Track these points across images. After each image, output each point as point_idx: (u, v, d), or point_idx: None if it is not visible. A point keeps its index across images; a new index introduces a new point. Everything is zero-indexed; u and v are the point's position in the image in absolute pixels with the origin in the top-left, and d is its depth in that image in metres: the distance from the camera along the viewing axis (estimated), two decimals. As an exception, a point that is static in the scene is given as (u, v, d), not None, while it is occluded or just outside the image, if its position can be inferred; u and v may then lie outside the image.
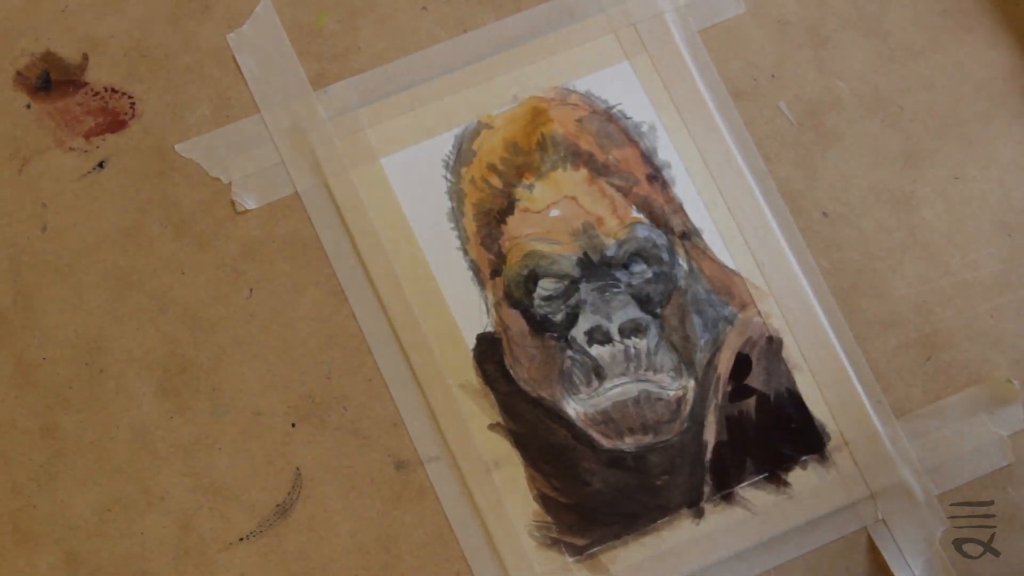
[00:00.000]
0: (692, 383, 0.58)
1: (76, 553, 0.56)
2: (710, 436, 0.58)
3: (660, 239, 0.59)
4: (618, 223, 0.59)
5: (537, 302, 0.59)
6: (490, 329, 0.58)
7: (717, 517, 0.57)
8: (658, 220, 0.60)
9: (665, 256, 0.59)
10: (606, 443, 0.57)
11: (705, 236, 0.60)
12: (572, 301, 0.58)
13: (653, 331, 0.58)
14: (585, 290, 0.59)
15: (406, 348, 0.58)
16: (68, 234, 0.59)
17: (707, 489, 0.57)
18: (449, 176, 0.60)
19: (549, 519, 0.57)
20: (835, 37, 0.62)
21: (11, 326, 0.58)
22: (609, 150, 0.60)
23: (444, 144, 0.60)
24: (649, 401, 0.58)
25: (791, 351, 0.59)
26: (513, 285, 0.59)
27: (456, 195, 0.60)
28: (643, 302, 0.59)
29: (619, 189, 0.60)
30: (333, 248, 0.59)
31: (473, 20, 0.62)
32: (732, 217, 0.60)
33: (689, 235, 0.60)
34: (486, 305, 0.59)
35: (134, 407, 0.58)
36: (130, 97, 0.61)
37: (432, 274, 0.59)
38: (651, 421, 0.58)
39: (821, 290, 0.59)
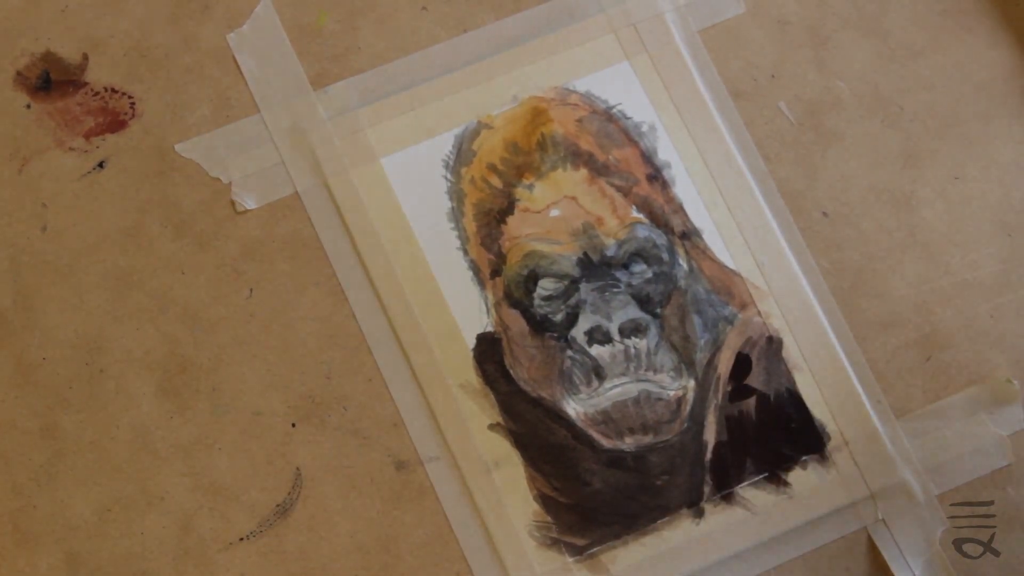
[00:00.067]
0: (692, 383, 0.58)
1: (76, 553, 0.56)
2: (710, 436, 0.58)
3: (660, 239, 0.59)
4: (618, 223, 0.59)
5: (537, 302, 0.59)
6: (490, 329, 0.58)
7: (717, 517, 0.57)
8: (658, 220, 0.60)
9: (665, 256, 0.59)
10: (606, 443, 0.57)
11: (705, 236, 0.60)
12: (572, 301, 0.58)
13: (653, 331, 0.58)
14: (585, 290, 0.59)
15: (406, 348, 0.58)
16: (68, 234, 0.59)
17: (707, 489, 0.57)
18: (449, 176, 0.60)
19: (549, 519, 0.57)
20: (835, 37, 0.62)
21: (11, 326, 0.58)
22: (609, 150, 0.60)
23: (444, 144, 0.60)
24: (649, 401, 0.58)
25: (791, 351, 0.59)
26: (513, 285, 0.59)
27: (456, 195, 0.60)
28: (643, 302, 0.59)
29: (619, 189, 0.60)
30: (333, 248, 0.59)
31: (473, 20, 0.62)
32: (732, 217, 0.60)
33: (689, 235, 0.60)
34: (486, 305, 0.59)
35: (134, 407, 0.58)
36: (130, 97, 0.61)
37: (432, 274, 0.59)
38: (651, 421, 0.58)
39: (821, 290, 0.59)
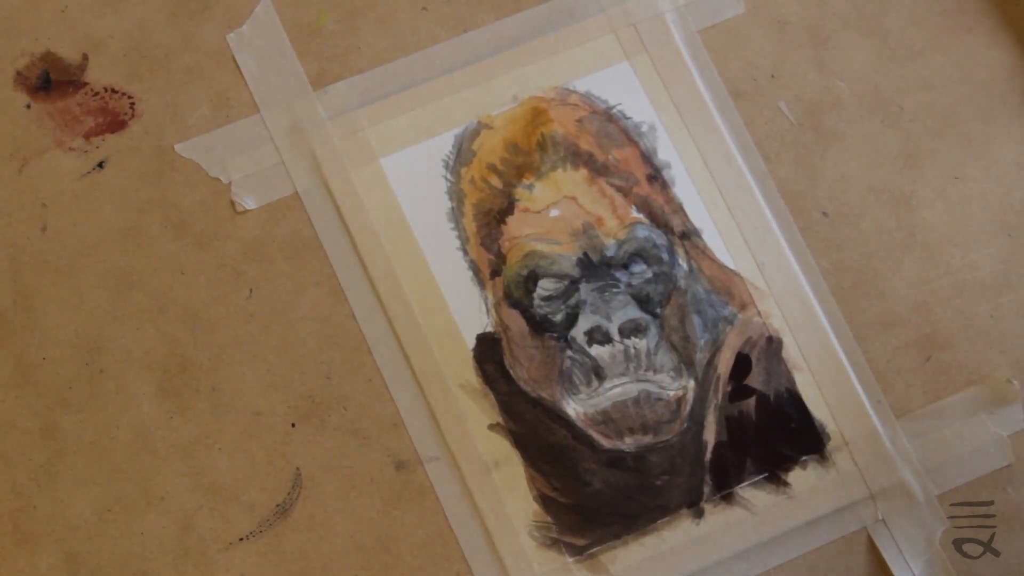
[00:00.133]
0: (692, 383, 0.58)
1: (76, 553, 0.56)
2: (710, 436, 0.58)
3: (660, 239, 0.59)
4: (618, 223, 0.59)
5: (537, 302, 0.59)
6: (490, 329, 0.58)
7: (717, 517, 0.57)
8: (658, 220, 0.60)
9: (665, 256, 0.59)
10: (606, 443, 0.57)
11: (705, 236, 0.60)
12: (572, 301, 0.58)
13: (653, 331, 0.58)
14: (585, 290, 0.59)
15: (406, 348, 0.58)
16: (68, 234, 0.59)
17: (707, 489, 0.57)
18: (449, 176, 0.60)
19: (549, 519, 0.57)
20: (835, 37, 0.62)
21: (11, 326, 0.58)
22: (609, 150, 0.60)
23: (444, 144, 0.60)
24: (649, 401, 0.58)
25: (791, 351, 0.59)
26: (513, 285, 0.59)
27: (456, 195, 0.60)
28: (643, 302, 0.59)
29: (619, 189, 0.60)
30: (333, 248, 0.59)
31: (473, 20, 0.62)
32: (732, 217, 0.60)
33: (689, 235, 0.60)
34: (486, 305, 0.59)
35: (134, 407, 0.58)
36: (130, 97, 0.61)
37: (432, 274, 0.59)
38: (651, 421, 0.58)
39: (821, 290, 0.59)
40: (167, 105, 0.60)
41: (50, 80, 0.61)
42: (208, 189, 0.60)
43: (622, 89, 0.61)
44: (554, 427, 0.58)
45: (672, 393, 0.58)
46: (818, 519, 0.57)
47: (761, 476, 0.58)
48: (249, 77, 0.61)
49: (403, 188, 0.60)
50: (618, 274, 0.59)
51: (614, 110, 0.61)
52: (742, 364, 0.59)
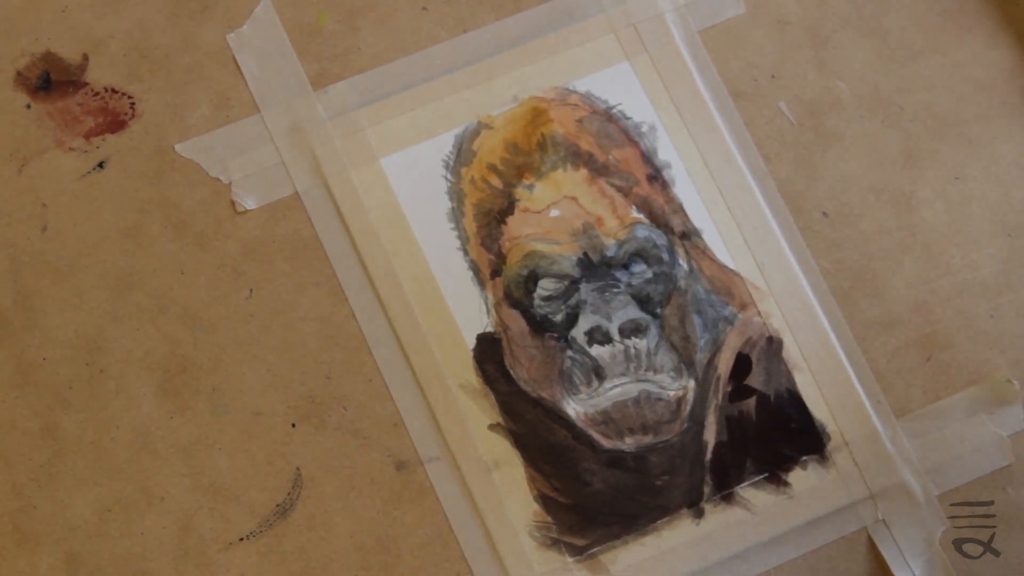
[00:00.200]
0: (692, 383, 0.58)
1: (76, 553, 0.56)
2: (710, 436, 0.58)
3: (660, 239, 0.59)
4: (618, 223, 0.59)
5: (537, 302, 0.59)
6: (490, 329, 0.58)
7: (717, 517, 0.57)
8: (658, 220, 0.60)
9: (665, 256, 0.59)
10: (606, 443, 0.57)
11: (705, 236, 0.60)
12: (572, 301, 0.58)
13: (653, 331, 0.58)
14: (585, 290, 0.59)
15: (406, 348, 0.58)
16: (68, 234, 0.59)
17: (707, 489, 0.57)
18: (449, 176, 0.60)
19: (549, 519, 0.57)
20: (835, 37, 0.62)
21: (11, 326, 0.58)
22: (609, 150, 0.60)
23: (444, 144, 0.60)
24: (649, 401, 0.58)
25: (791, 351, 0.59)
26: (513, 285, 0.59)
27: (456, 195, 0.60)
28: (643, 302, 0.59)
29: (619, 189, 0.60)
30: (333, 248, 0.59)
31: (473, 20, 0.62)
32: (732, 217, 0.60)
33: (689, 235, 0.60)
34: (486, 305, 0.59)
35: (134, 407, 0.58)
36: (130, 97, 0.61)
37: (432, 274, 0.59)
38: (651, 421, 0.58)
39: (821, 290, 0.59)
40: (167, 105, 0.60)
41: (50, 80, 0.61)
42: (208, 189, 0.60)
43: (622, 89, 0.61)
44: (554, 427, 0.58)
45: (672, 393, 0.58)
46: (818, 519, 0.57)
47: (761, 476, 0.58)
48: (249, 77, 0.61)
49: (403, 188, 0.60)
50: (618, 274, 0.59)
51: (614, 110, 0.61)
52: (742, 364, 0.59)
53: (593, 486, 0.57)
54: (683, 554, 0.57)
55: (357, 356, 0.58)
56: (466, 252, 0.59)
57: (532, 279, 0.59)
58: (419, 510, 0.57)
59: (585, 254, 0.59)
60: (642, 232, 0.59)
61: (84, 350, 0.58)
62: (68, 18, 0.61)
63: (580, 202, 0.59)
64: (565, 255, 0.59)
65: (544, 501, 0.57)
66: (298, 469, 0.57)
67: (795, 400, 0.58)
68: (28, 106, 0.60)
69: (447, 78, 0.61)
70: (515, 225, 0.59)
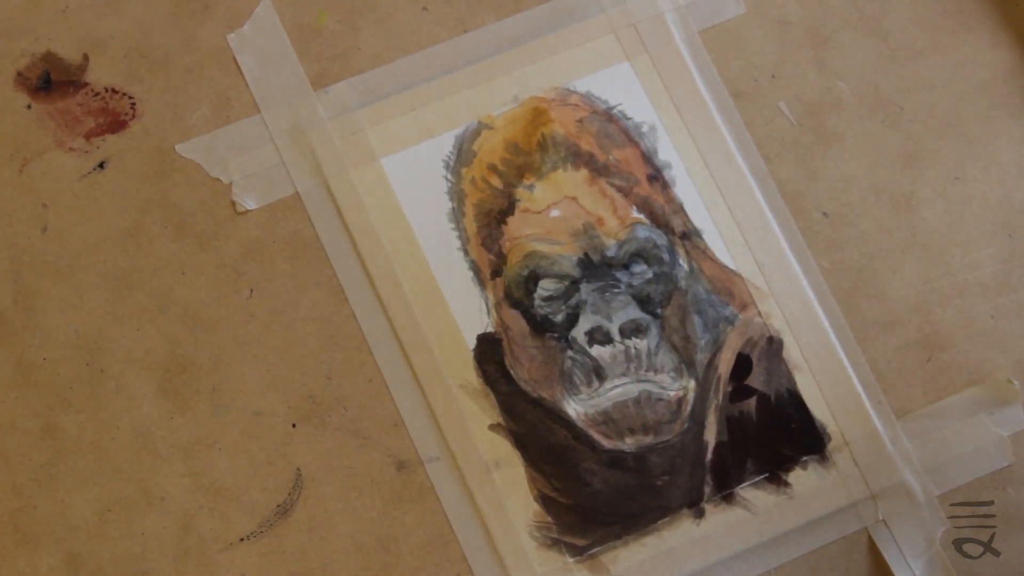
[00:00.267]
0: (693, 383, 0.58)
1: (76, 553, 0.56)
2: (711, 436, 0.58)
3: (660, 239, 0.59)
4: (618, 223, 0.59)
5: (537, 302, 0.59)
6: (490, 329, 0.58)
7: (717, 517, 0.57)
8: (658, 220, 0.60)
9: (665, 256, 0.59)
10: (607, 443, 0.57)
11: (705, 236, 0.60)
12: (572, 301, 0.58)
13: (653, 331, 0.58)
14: (585, 290, 0.59)
15: (406, 348, 0.58)
16: (68, 234, 0.59)
17: (707, 489, 0.57)
18: (449, 176, 0.60)
19: (549, 519, 0.57)
20: (835, 37, 0.62)
21: (11, 326, 0.58)
22: (609, 150, 0.60)
23: (444, 144, 0.60)
24: (650, 401, 0.58)
25: (791, 351, 0.59)
26: (513, 285, 0.59)
27: (456, 195, 0.60)
28: (643, 302, 0.59)
29: (619, 189, 0.60)
30: (333, 248, 0.59)
31: (473, 20, 0.62)
32: (732, 217, 0.60)
33: (689, 235, 0.60)
34: (486, 305, 0.59)
35: (134, 407, 0.58)
36: (130, 97, 0.61)
37: (432, 274, 0.59)
38: (651, 421, 0.58)
39: (821, 290, 0.60)
40: (168, 105, 0.60)
41: (51, 80, 0.61)
42: (209, 189, 0.60)
43: (622, 89, 0.61)
44: (555, 427, 0.58)
45: (673, 393, 0.58)
46: (819, 519, 0.57)
47: (762, 476, 0.58)
48: (249, 77, 0.61)
49: (403, 188, 0.60)
50: (619, 274, 0.59)
51: (614, 110, 0.61)
52: (743, 364, 0.59)
53: (593, 486, 0.57)
54: (683, 554, 0.57)
55: (357, 356, 0.58)
56: (466, 252, 0.59)
57: (532, 279, 0.59)
58: (419, 510, 0.57)
59: (585, 254, 0.59)
60: (642, 232, 0.59)
61: (84, 350, 0.58)
62: (68, 18, 0.61)
63: (580, 202, 0.59)
64: (565, 255, 0.59)
65: (544, 501, 0.57)
66: (298, 469, 0.57)
67: (795, 400, 0.58)
68: (28, 106, 0.60)
69: (447, 78, 0.61)
70: (515, 225, 0.59)
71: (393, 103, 0.60)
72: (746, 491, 0.58)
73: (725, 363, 0.59)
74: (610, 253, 0.59)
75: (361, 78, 0.61)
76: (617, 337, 0.58)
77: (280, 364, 0.58)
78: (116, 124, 0.60)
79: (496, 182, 0.60)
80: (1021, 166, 0.61)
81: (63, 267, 0.59)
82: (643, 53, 0.61)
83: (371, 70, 0.61)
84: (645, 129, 0.61)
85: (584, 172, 0.60)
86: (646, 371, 0.58)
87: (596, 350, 0.58)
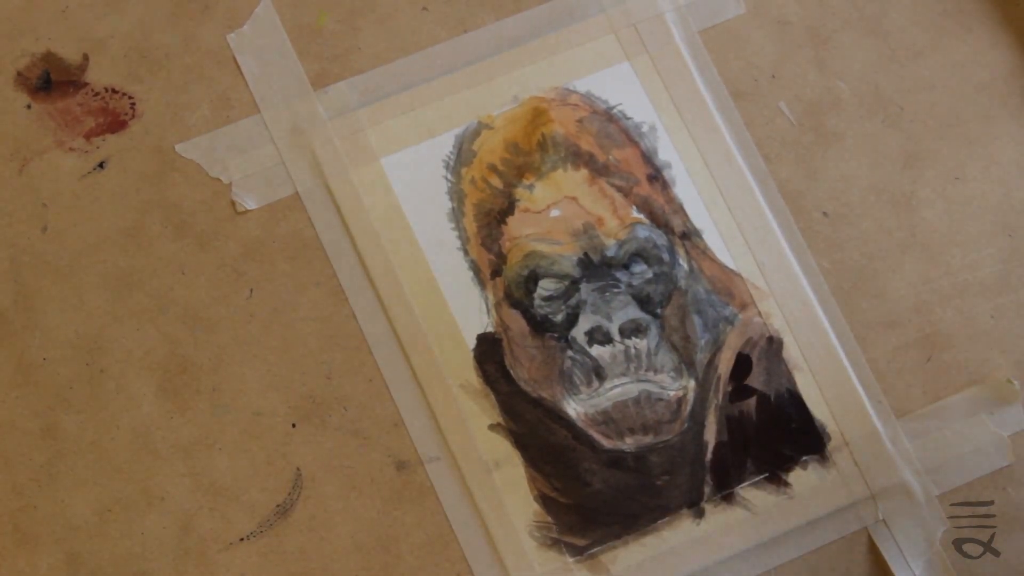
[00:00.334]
0: (692, 383, 0.58)
1: (76, 553, 0.56)
2: (710, 436, 0.58)
3: (660, 239, 0.59)
4: (618, 223, 0.59)
5: (537, 302, 0.59)
6: (490, 329, 0.58)
7: (717, 517, 0.57)
8: (658, 220, 0.60)
9: (665, 256, 0.59)
10: (606, 443, 0.57)
11: (705, 236, 0.60)
12: (572, 301, 0.58)
13: (653, 331, 0.58)
14: (585, 290, 0.59)
15: (406, 348, 0.58)
16: (68, 234, 0.59)
17: (707, 489, 0.57)
18: (449, 176, 0.60)
19: (549, 519, 0.57)
20: (835, 37, 0.62)
21: (11, 326, 0.58)
22: (609, 150, 0.60)
23: (444, 144, 0.60)
24: (649, 401, 0.58)
25: (791, 351, 0.59)
26: (513, 285, 0.59)
27: (456, 195, 0.60)
28: (643, 302, 0.59)
29: (619, 189, 0.60)
30: (333, 248, 0.59)
31: (473, 20, 0.62)
32: (732, 217, 0.60)
33: (689, 235, 0.60)
34: (486, 305, 0.59)
35: (134, 407, 0.58)
36: (130, 97, 0.61)
37: (432, 274, 0.59)
38: (651, 421, 0.58)
39: (821, 290, 0.60)
40: (167, 105, 0.60)
41: (51, 80, 0.61)
42: (208, 189, 0.60)
43: (622, 89, 0.61)
44: (555, 427, 0.58)
45: (672, 393, 0.58)
46: (819, 519, 0.57)
47: (762, 476, 0.58)
48: (249, 77, 0.61)
49: (403, 188, 0.60)
50: (618, 274, 0.59)
51: (614, 110, 0.61)
52: (742, 364, 0.59)
53: (593, 486, 0.57)
54: (683, 554, 0.57)
55: (357, 356, 0.58)
56: (466, 252, 0.59)
57: (532, 279, 0.59)
58: (419, 510, 0.57)
59: (585, 254, 0.59)
60: (642, 232, 0.59)
61: (84, 350, 0.58)
62: (68, 18, 0.61)
63: (580, 202, 0.59)
64: (565, 255, 0.59)
65: (544, 501, 0.57)
66: (298, 469, 0.57)
67: (795, 400, 0.58)
68: (28, 106, 0.60)
69: (447, 78, 0.61)
70: (515, 225, 0.59)
71: (393, 103, 0.60)
72: (746, 491, 0.58)
73: (725, 363, 0.59)
74: (610, 253, 0.59)
75: (361, 78, 0.61)
76: (617, 337, 0.58)
77: (280, 364, 0.58)
78: (116, 124, 0.60)
79: (496, 182, 0.60)
80: (1021, 166, 0.61)
81: (63, 267, 0.59)
82: (643, 53, 0.61)
83: (371, 70, 0.61)
84: (645, 129, 0.61)
85: (584, 172, 0.60)
86: (646, 371, 0.58)
87: (596, 350, 0.58)
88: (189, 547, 0.56)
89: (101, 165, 0.60)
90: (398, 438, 0.58)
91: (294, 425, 0.58)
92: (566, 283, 0.59)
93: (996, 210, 0.61)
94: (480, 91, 0.61)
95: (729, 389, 0.58)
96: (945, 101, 0.62)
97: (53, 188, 0.60)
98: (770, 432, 0.58)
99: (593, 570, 0.57)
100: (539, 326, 0.58)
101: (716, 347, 0.59)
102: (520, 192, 0.60)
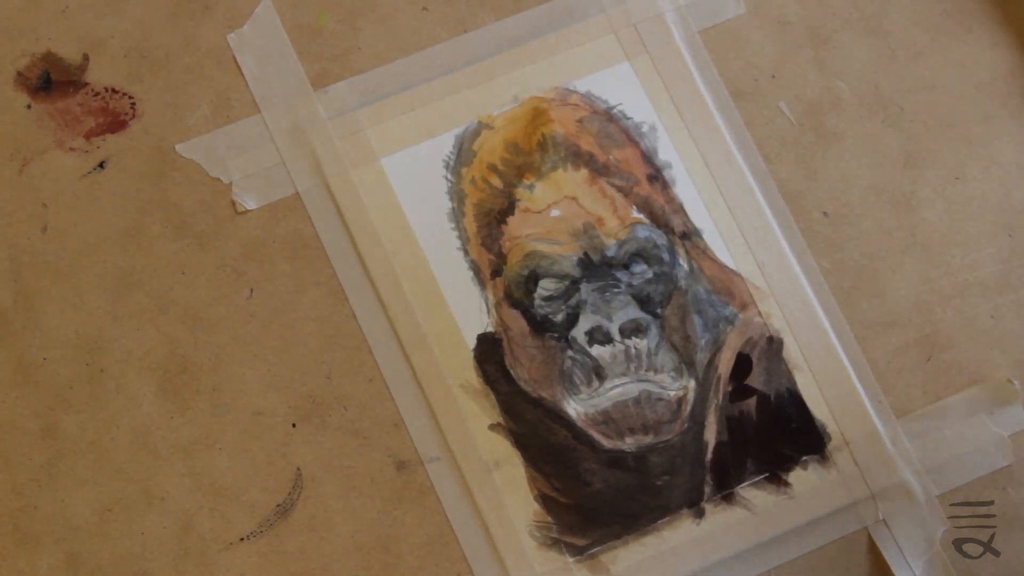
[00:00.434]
0: (693, 383, 0.58)
1: (76, 553, 0.56)
2: (711, 436, 0.58)
3: (660, 239, 0.60)
4: (618, 223, 0.59)
5: (538, 302, 0.59)
6: (490, 329, 0.58)
7: (717, 517, 0.57)
8: (659, 220, 0.60)
9: (665, 256, 0.59)
10: (607, 443, 0.57)
11: (705, 236, 0.60)
12: (573, 301, 0.59)
13: (653, 331, 0.58)
14: (586, 290, 0.59)
15: (406, 348, 0.58)
16: (68, 234, 0.59)
17: (707, 489, 0.57)
18: (449, 176, 0.60)
19: (550, 519, 0.57)
20: (835, 37, 0.62)
21: (11, 326, 0.58)
22: (610, 150, 0.60)
23: (444, 144, 0.60)
24: (650, 401, 0.58)
25: (791, 351, 0.59)
26: (513, 285, 0.59)
27: (456, 195, 0.60)
28: (643, 302, 0.59)
29: (620, 189, 0.60)
30: (333, 248, 0.59)
31: (473, 20, 0.62)
32: (732, 217, 0.60)
33: (689, 235, 0.60)
34: (486, 305, 0.59)
35: (134, 407, 0.58)
36: (130, 97, 0.61)
37: (432, 274, 0.59)
38: (652, 421, 0.58)
39: (821, 290, 0.60)
40: (168, 105, 0.60)
41: (51, 80, 0.61)
42: (209, 189, 0.60)
43: (622, 89, 0.61)
44: (555, 427, 0.58)
45: (673, 393, 0.58)
46: (819, 519, 0.57)
47: (762, 476, 0.58)
48: (249, 77, 0.61)
49: (403, 188, 0.60)
50: (619, 274, 0.59)
51: (615, 110, 0.61)
52: (743, 364, 0.59)
53: (593, 486, 0.57)
54: (684, 554, 0.57)
55: (357, 356, 0.58)
56: (466, 252, 0.59)
57: (532, 279, 0.59)
58: (419, 510, 0.57)
59: (585, 254, 0.59)
60: (642, 232, 0.59)
61: (84, 350, 0.58)
62: (68, 18, 0.61)
63: (580, 202, 0.59)
64: (565, 255, 0.59)
65: (544, 501, 0.57)
66: (298, 469, 0.57)
67: (795, 400, 0.58)
68: (28, 106, 0.60)
69: (447, 78, 0.61)
70: (515, 225, 0.59)
71: (393, 103, 0.61)
72: (746, 491, 0.58)
73: (725, 363, 0.59)
74: (610, 253, 0.59)
75: (361, 78, 0.61)
76: (617, 337, 0.58)
77: (280, 364, 0.58)
78: (116, 124, 0.60)
79: (496, 182, 0.60)
80: (1021, 166, 0.61)
81: (63, 267, 0.59)
82: (643, 53, 0.61)
83: (371, 70, 0.61)
84: (645, 129, 0.61)
85: (584, 172, 0.60)
86: (646, 371, 0.58)
87: (596, 350, 0.58)
88: (189, 547, 0.56)
89: (101, 165, 0.60)
90: (398, 438, 0.58)
91: (294, 425, 0.58)
92: (566, 283, 0.59)
93: (996, 210, 0.61)
94: (480, 91, 0.61)
95: (729, 389, 0.58)
96: (945, 101, 0.62)
97: (53, 188, 0.60)
98: (770, 432, 0.58)
99: (593, 570, 0.57)
100: (539, 326, 0.58)
101: (716, 347, 0.59)
102: (520, 192, 0.60)
